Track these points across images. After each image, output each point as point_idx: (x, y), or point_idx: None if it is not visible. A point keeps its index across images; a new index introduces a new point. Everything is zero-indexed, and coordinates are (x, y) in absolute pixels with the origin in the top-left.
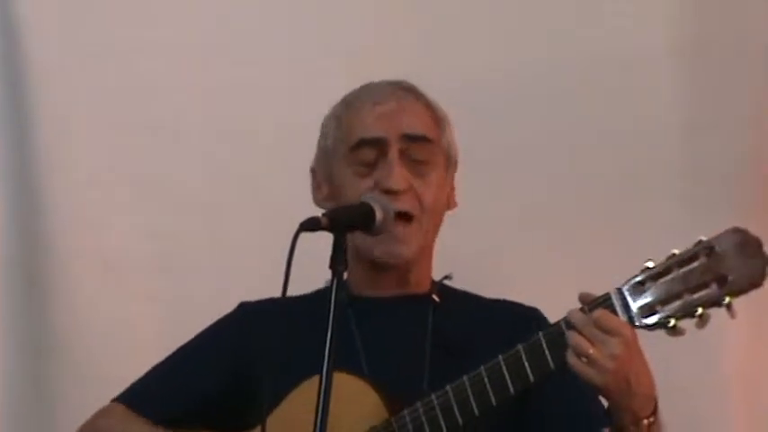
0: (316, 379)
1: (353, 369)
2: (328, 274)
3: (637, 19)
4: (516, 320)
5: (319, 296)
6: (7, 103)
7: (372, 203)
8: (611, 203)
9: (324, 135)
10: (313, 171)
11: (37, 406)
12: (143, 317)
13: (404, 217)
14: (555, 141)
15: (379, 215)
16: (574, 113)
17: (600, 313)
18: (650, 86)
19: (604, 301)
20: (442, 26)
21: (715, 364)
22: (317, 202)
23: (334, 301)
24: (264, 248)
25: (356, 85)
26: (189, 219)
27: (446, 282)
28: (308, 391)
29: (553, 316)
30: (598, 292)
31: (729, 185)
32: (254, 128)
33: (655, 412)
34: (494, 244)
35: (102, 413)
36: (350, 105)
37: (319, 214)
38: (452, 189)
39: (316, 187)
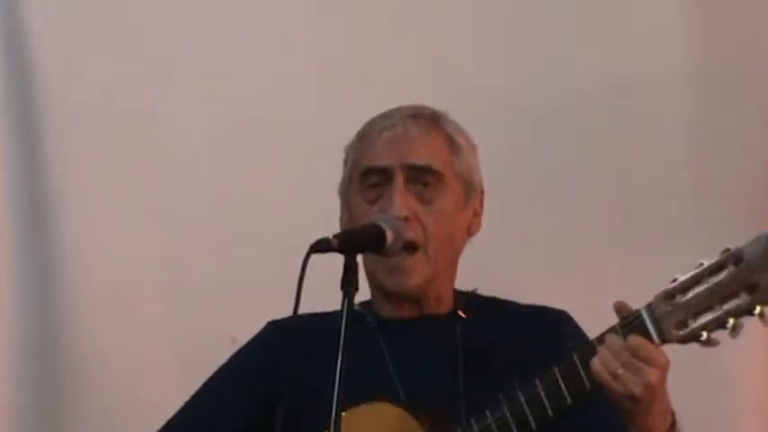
0: (352, 412)
1: (390, 394)
2: (339, 296)
3: (648, 40)
4: (546, 325)
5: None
6: (17, 128)
7: (383, 225)
8: (621, 222)
9: (344, 162)
10: (339, 196)
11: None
12: (152, 342)
13: (407, 246)
14: (564, 160)
15: (389, 237)
16: (584, 133)
17: (636, 342)
18: (661, 106)
19: (636, 319)
20: (453, 48)
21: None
22: (341, 227)
23: (345, 321)
24: (273, 272)
25: (361, 107)
26: (198, 243)
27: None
28: (345, 423)
29: None
30: (610, 314)
31: (740, 204)
32: (263, 153)
33: (674, 425)
34: (501, 263)
35: None
36: (362, 134)
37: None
38: (476, 215)
39: (341, 213)
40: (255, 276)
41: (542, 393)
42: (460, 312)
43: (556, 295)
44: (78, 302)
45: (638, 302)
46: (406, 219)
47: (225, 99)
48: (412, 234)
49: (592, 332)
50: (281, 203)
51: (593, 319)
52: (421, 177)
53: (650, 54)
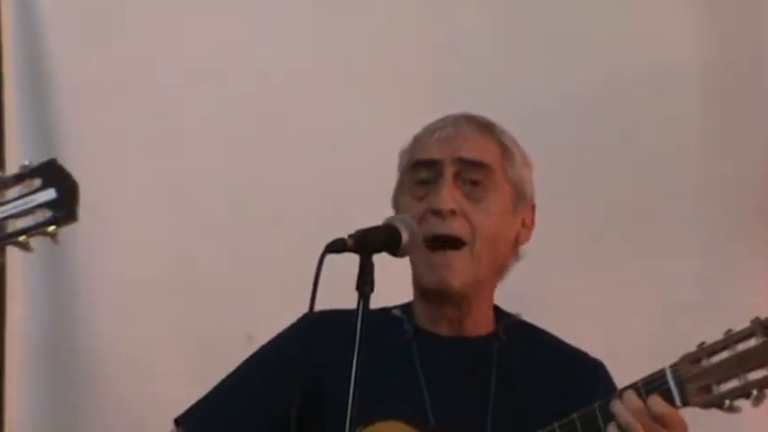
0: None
1: (417, 409)
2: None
3: (659, 39)
4: (581, 373)
5: (389, 320)
6: (31, 123)
7: (398, 225)
8: (634, 222)
9: (398, 167)
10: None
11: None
12: (166, 339)
13: (451, 243)
14: (573, 161)
15: (405, 237)
16: (598, 137)
17: (656, 403)
18: (674, 105)
19: (659, 379)
20: (454, 48)
21: None
22: None
23: (361, 323)
24: (287, 269)
25: (379, 105)
26: (212, 240)
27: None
28: None
29: (576, 335)
30: (621, 314)
31: (752, 203)
32: (280, 149)
33: None
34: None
35: None
36: (417, 136)
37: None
38: (525, 226)
39: None
40: (269, 274)
41: None
42: (501, 335)
43: (566, 295)
44: (91, 299)
45: (648, 301)
46: (452, 212)
47: (243, 96)
48: (455, 229)
49: (606, 329)
50: (297, 200)
51: (606, 320)
52: (472, 174)
53: (661, 53)
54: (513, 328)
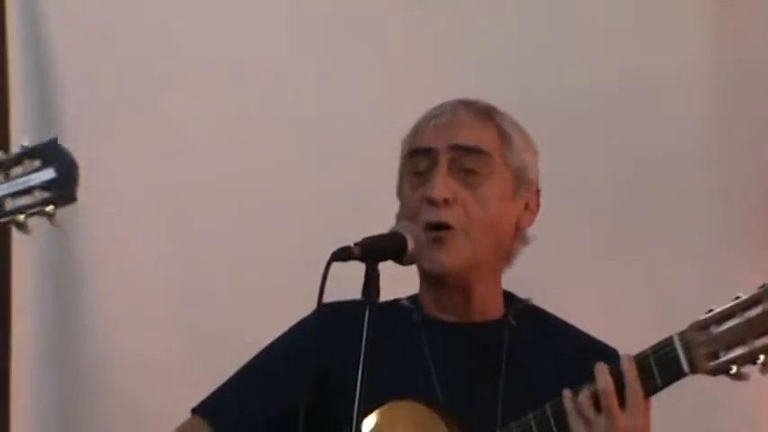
0: (384, 409)
1: (427, 395)
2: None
3: (667, 45)
4: (594, 358)
5: (397, 310)
6: (37, 130)
7: (404, 233)
8: (640, 223)
9: (400, 154)
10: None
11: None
12: (170, 344)
13: (442, 228)
14: (577, 162)
15: (411, 245)
16: (601, 137)
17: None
18: (681, 106)
19: (668, 345)
20: (457, 47)
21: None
22: (396, 221)
23: (366, 334)
24: (290, 277)
25: (382, 109)
26: (216, 247)
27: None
28: (375, 420)
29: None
30: (629, 315)
31: (761, 205)
32: (282, 157)
33: None
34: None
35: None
36: (415, 124)
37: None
38: (528, 209)
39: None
40: (273, 282)
41: (550, 415)
42: (511, 319)
43: (573, 297)
44: (98, 305)
45: (656, 302)
46: (446, 202)
47: (243, 104)
48: (448, 217)
49: (611, 334)
50: (300, 209)
51: (613, 320)
52: (467, 161)
53: (670, 53)
54: (523, 313)
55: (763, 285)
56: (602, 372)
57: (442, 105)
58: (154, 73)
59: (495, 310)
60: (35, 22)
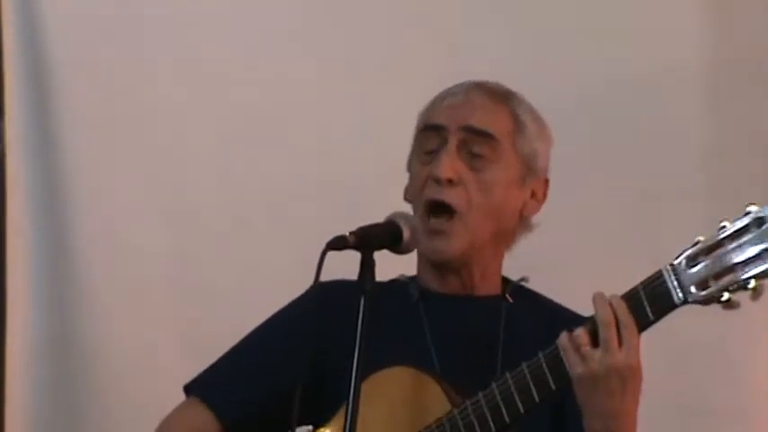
0: (376, 376)
1: (424, 364)
2: None
3: (664, 36)
4: None
5: (395, 287)
6: (34, 125)
7: (399, 221)
8: (635, 221)
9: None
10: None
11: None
12: (167, 339)
13: (445, 210)
14: (575, 158)
15: (406, 234)
16: (596, 130)
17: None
18: (676, 103)
19: (658, 278)
20: (457, 46)
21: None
22: (404, 198)
23: (362, 322)
24: (288, 269)
25: (378, 104)
26: (213, 241)
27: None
28: (368, 387)
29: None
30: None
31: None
32: (277, 151)
33: None
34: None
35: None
36: (432, 99)
37: (346, 233)
38: (535, 198)
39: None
40: (270, 274)
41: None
42: (508, 297)
43: (568, 295)
44: (94, 299)
45: None
46: (450, 181)
47: (238, 99)
48: (451, 198)
49: None
50: (296, 200)
51: None
52: (476, 145)
53: (665, 50)
54: (517, 292)
55: (749, 212)
56: (601, 302)
57: (460, 85)
58: (152, 69)
59: (493, 286)
60: (32, 20)
